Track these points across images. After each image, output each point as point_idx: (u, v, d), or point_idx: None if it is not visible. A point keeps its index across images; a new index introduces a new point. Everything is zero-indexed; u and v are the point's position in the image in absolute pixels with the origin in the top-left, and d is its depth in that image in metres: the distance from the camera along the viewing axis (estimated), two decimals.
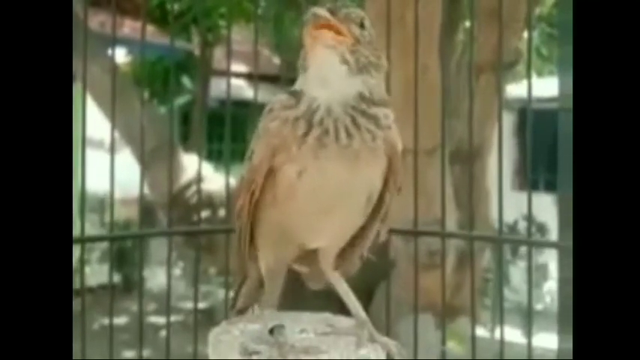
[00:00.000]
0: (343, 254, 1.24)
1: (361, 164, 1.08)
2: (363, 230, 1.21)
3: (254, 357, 1.08)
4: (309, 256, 1.23)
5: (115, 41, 2.14)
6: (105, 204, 5.97)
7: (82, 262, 1.65)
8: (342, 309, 1.21)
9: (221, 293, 2.88)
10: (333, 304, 1.23)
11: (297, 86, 1.11)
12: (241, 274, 1.32)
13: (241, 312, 1.34)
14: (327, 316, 1.25)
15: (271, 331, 1.12)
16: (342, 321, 1.22)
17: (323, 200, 1.09)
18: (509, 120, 6.39)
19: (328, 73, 1.07)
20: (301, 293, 1.56)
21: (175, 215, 2.22)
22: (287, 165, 1.08)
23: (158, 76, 8.03)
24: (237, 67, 9.65)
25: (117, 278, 6.18)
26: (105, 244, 6.25)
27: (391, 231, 1.79)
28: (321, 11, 1.06)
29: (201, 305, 5.47)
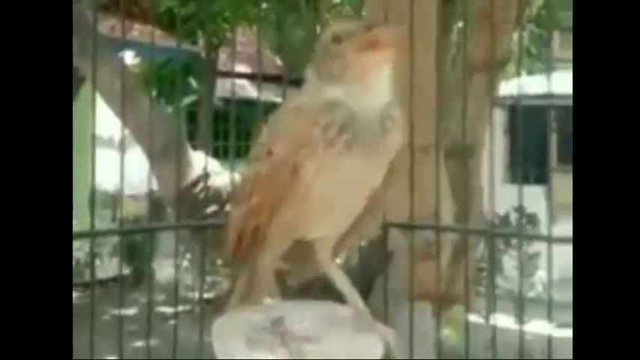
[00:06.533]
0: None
1: (377, 163, 1.10)
2: (355, 221, 1.21)
3: (256, 346, 1.09)
4: (294, 250, 1.23)
5: (124, 44, 2.21)
6: (116, 200, 6.04)
7: (93, 255, 1.72)
8: (342, 298, 1.21)
9: (227, 284, 2.95)
10: (334, 293, 1.22)
11: (331, 93, 1.09)
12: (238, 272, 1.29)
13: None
14: (327, 305, 1.23)
15: (273, 322, 1.13)
16: (342, 310, 1.20)
17: (333, 196, 1.10)
18: (500, 116, 6.46)
19: (378, 87, 1.08)
20: (301, 282, 1.61)
21: (183, 210, 2.30)
22: (307, 162, 1.07)
23: (166, 77, 8.17)
24: (241, 67, 9.78)
25: (127, 271, 6.26)
26: (115, 239, 6.32)
27: (389, 225, 1.86)
28: (387, 31, 1.07)
29: (208, 295, 5.52)
